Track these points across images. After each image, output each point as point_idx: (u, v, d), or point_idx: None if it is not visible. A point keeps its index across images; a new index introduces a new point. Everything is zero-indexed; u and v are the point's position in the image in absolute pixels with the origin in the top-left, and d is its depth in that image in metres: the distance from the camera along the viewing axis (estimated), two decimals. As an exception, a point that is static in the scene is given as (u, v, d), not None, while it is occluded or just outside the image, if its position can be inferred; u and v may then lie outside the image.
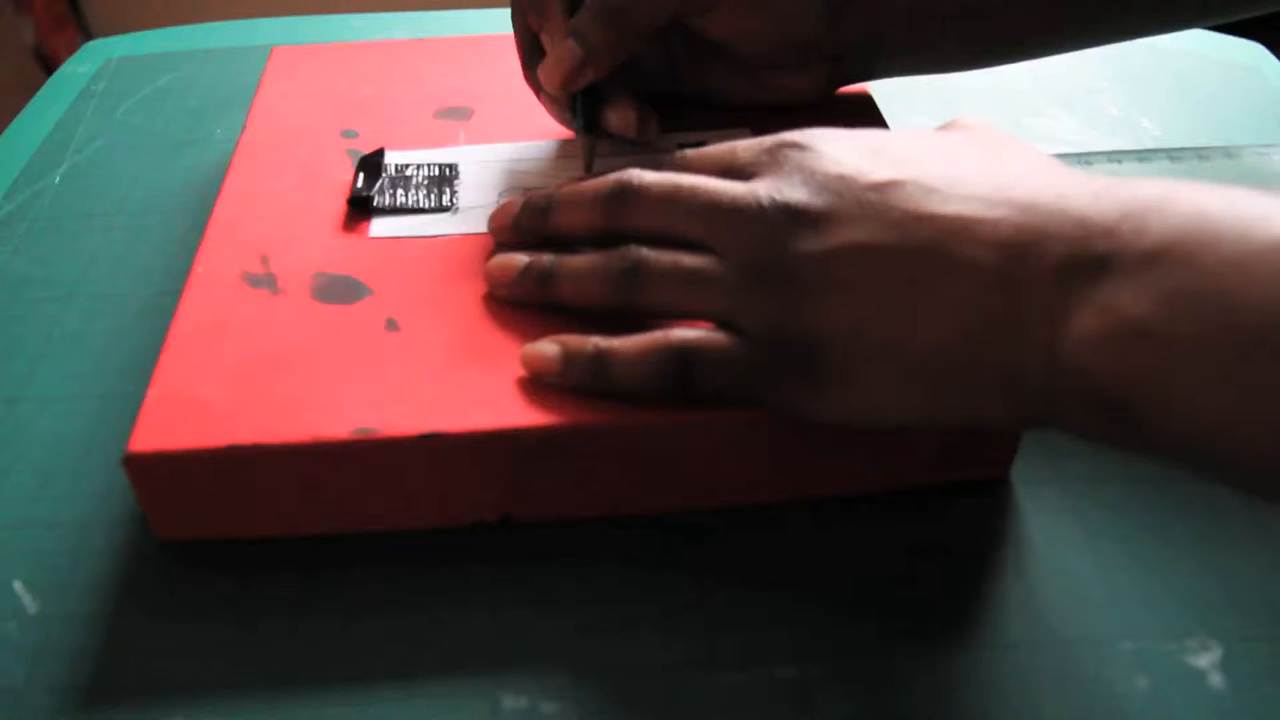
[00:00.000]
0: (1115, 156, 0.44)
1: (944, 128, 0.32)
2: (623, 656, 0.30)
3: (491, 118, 0.44)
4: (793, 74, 0.41)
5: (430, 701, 0.29)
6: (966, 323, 0.27)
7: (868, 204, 0.28)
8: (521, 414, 0.31)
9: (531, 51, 0.40)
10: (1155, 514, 0.33)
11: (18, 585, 0.32)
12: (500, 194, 0.39)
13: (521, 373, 0.32)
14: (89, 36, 1.60)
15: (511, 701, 0.29)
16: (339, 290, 0.35)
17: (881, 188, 0.28)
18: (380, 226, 0.38)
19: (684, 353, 0.30)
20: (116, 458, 0.36)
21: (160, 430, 0.31)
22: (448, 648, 0.30)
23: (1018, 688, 0.29)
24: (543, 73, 0.38)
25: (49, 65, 1.55)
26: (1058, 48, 0.40)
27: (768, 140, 0.32)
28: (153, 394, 0.32)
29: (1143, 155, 0.45)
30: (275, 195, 0.40)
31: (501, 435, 0.31)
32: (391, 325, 0.34)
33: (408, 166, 0.41)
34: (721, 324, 0.30)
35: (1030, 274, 0.26)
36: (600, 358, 0.31)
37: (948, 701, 0.28)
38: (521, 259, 0.34)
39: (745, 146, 0.32)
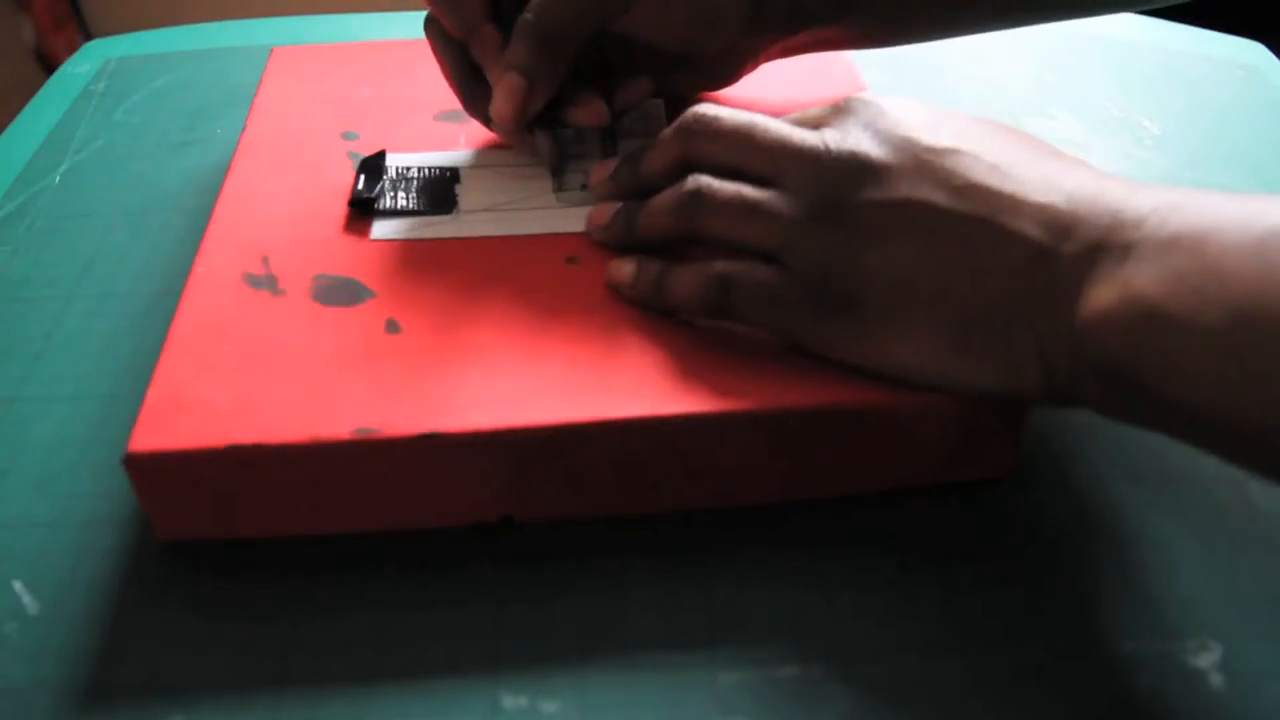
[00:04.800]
0: None
1: (838, 106, 0.33)
2: (623, 656, 0.30)
3: None
4: (716, 58, 0.41)
5: (430, 701, 0.29)
6: (1010, 290, 0.29)
7: (928, 165, 0.30)
8: (521, 414, 0.31)
9: (472, 92, 0.40)
10: (1156, 514, 0.33)
11: (18, 585, 0.32)
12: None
13: (521, 373, 0.32)
14: (89, 36, 1.60)
15: (511, 701, 0.29)
16: (340, 292, 0.35)
17: (943, 153, 0.30)
18: (381, 229, 0.38)
19: (725, 279, 0.32)
20: (116, 458, 0.36)
21: (160, 430, 0.31)
22: (448, 648, 0.30)
23: (1018, 688, 0.29)
24: (495, 112, 0.38)
25: (49, 65, 1.55)
26: (976, 27, 0.41)
27: (842, 99, 0.34)
28: (153, 394, 0.32)
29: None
30: (275, 196, 0.40)
31: (501, 435, 0.31)
32: (392, 327, 0.34)
33: (409, 169, 0.41)
34: (769, 258, 0.32)
35: (1068, 253, 0.28)
36: (661, 274, 0.34)
37: (947, 702, 0.28)
38: (614, 205, 0.37)
39: (812, 108, 0.34)
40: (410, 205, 0.39)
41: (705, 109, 0.34)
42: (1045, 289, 0.28)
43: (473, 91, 0.40)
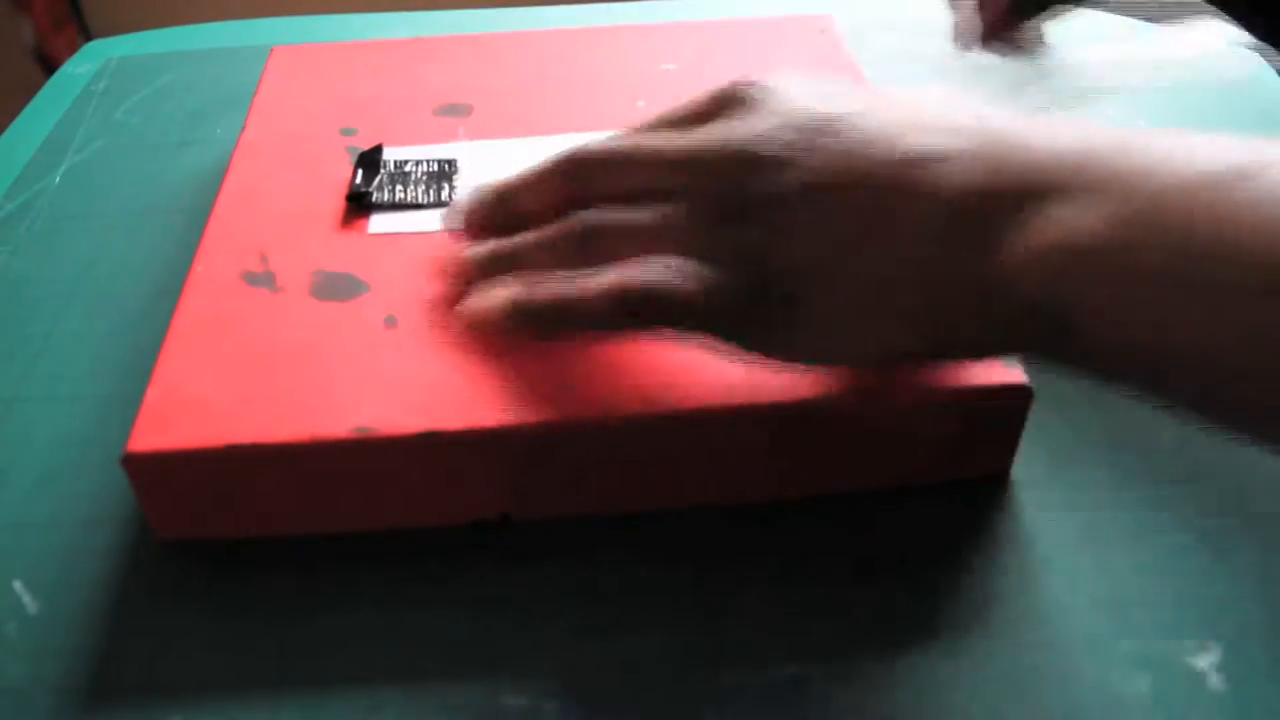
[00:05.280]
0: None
1: (724, 95, 0.31)
2: (623, 656, 0.30)
3: (491, 114, 0.44)
4: None
5: (430, 701, 0.29)
6: (934, 245, 0.27)
7: (827, 135, 0.28)
8: (521, 412, 0.31)
9: None
10: (1155, 514, 0.33)
11: (18, 585, 0.32)
12: (456, 193, 0.39)
13: (520, 370, 0.32)
14: (89, 36, 1.60)
15: (511, 701, 0.29)
16: (338, 287, 0.35)
17: (841, 120, 0.29)
18: (379, 223, 0.38)
19: (642, 289, 0.29)
20: (116, 458, 0.36)
21: (160, 430, 0.31)
22: (448, 647, 0.30)
23: (1018, 688, 0.29)
24: None
25: (49, 65, 1.55)
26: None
27: (714, 90, 0.31)
28: (152, 393, 0.32)
29: None
30: (275, 194, 0.40)
31: (501, 433, 0.31)
32: (390, 322, 0.34)
33: (406, 163, 0.41)
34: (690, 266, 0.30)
35: (993, 196, 0.27)
36: (558, 306, 0.30)
37: (948, 702, 0.28)
38: (484, 249, 0.33)
39: (698, 96, 0.32)
40: (408, 199, 0.39)
41: (579, 147, 0.32)
42: (971, 242, 0.27)
43: None
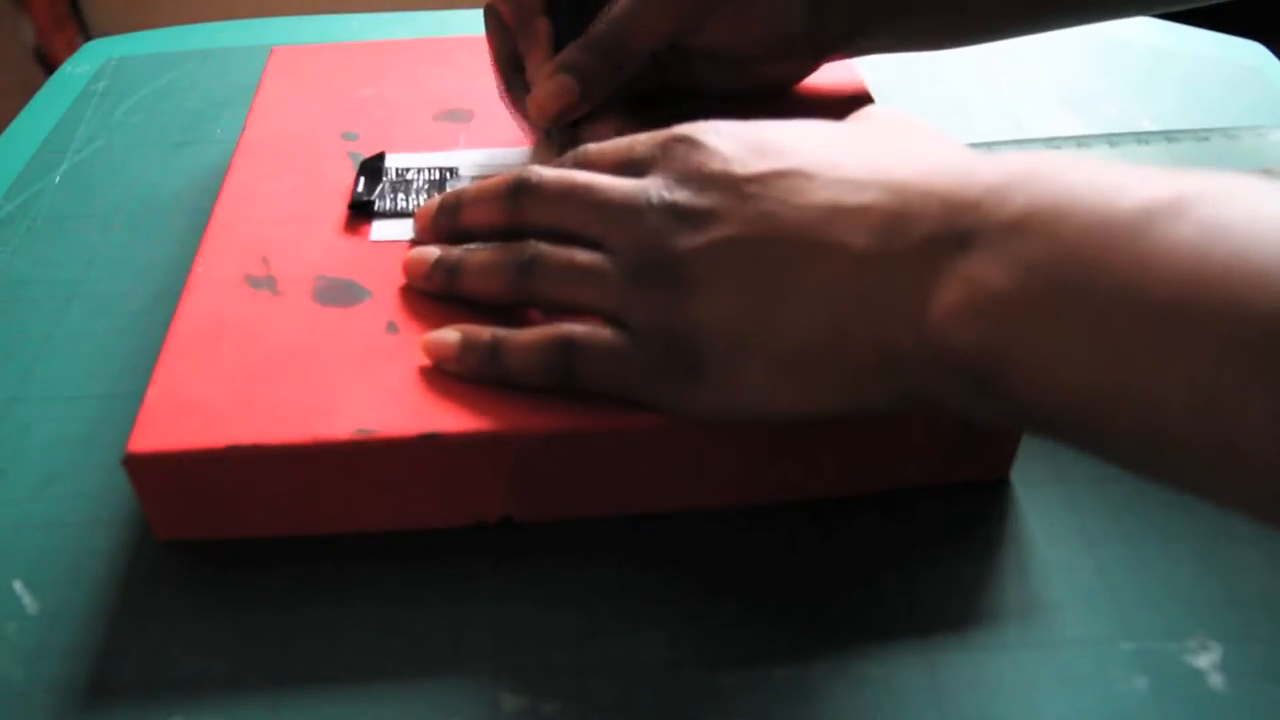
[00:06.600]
0: (1113, 140, 0.44)
1: (853, 117, 0.32)
2: (623, 656, 0.30)
3: (492, 120, 0.44)
4: (777, 63, 0.41)
5: (430, 701, 0.29)
6: (836, 305, 0.27)
7: (747, 197, 0.28)
8: (522, 416, 0.31)
9: (512, 80, 0.41)
10: (1155, 514, 0.33)
11: (18, 585, 0.32)
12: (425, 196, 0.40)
13: None
14: (89, 36, 1.60)
15: (511, 701, 0.29)
16: (339, 293, 0.35)
17: (762, 179, 0.29)
18: (381, 230, 0.38)
19: (567, 345, 0.30)
20: (116, 458, 0.36)
21: (160, 430, 0.31)
22: (448, 647, 0.30)
23: (1018, 688, 0.29)
24: (536, 106, 0.38)
25: (49, 65, 1.55)
26: (1036, 27, 0.41)
27: (661, 135, 0.32)
28: (152, 394, 0.32)
29: (1141, 137, 0.45)
30: (275, 196, 0.40)
31: (502, 437, 0.31)
32: (392, 328, 0.34)
33: (408, 170, 0.41)
34: (611, 320, 0.30)
35: (897, 252, 0.26)
36: (494, 346, 0.31)
37: (948, 702, 0.28)
38: (433, 253, 0.35)
39: (641, 141, 0.32)
40: (410, 207, 0.39)
41: (530, 172, 0.33)
42: (878, 295, 0.26)
43: (513, 80, 0.41)
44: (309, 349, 0.33)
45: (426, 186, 0.40)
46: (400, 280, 0.36)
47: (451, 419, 0.31)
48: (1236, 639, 0.30)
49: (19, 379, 0.39)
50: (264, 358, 0.33)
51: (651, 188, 0.30)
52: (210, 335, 0.34)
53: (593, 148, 0.34)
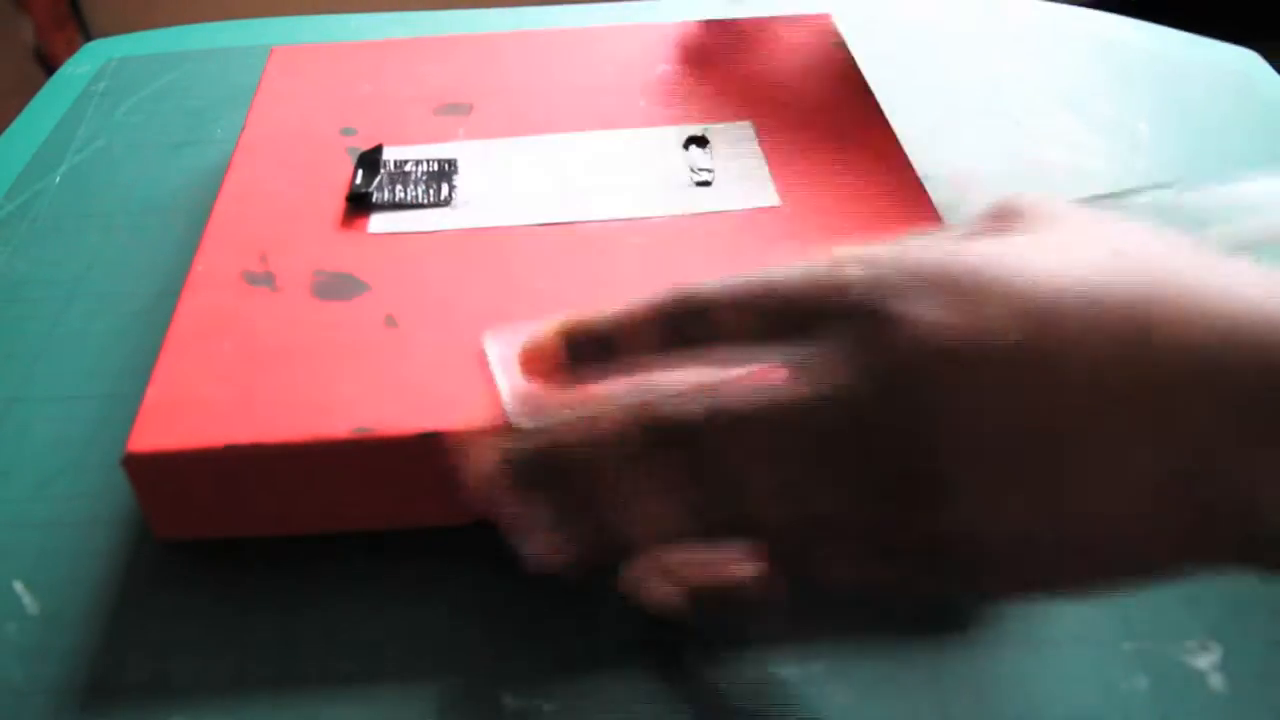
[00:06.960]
0: (1163, 185, 0.40)
1: (997, 210, 0.25)
2: (622, 656, 0.30)
3: (491, 113, 0.44)
4: None
5: (430, 701, 0.29)
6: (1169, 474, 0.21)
7: (986, 373, 0.22)
8: (521, 414, 0.31)
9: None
10: (1155, 514, 0.33)
11: (18, 585, 0.32)
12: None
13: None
14: (89, 36, 1.60)
15: (511, 701, 0.29)
16: (338, 287, 0.35)
17: (990, 355, 0.22)
18: (379, 222, 0.38)
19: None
20: (116, 458, 0.36)
21: (160, 430, 0.31)
22: (448, 648, 0.30)
23: (1018, 688, 0.29)
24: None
25: (49, 65, 1.55)
26: None
27: (849, 287, 0.23)
28: (152, 393, 0.32)
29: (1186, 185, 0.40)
30: (275, 194, 0.40)
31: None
32: (390, 322, 0.34)
33: (406, 162, 0.41)
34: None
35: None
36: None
37: (948, 701, 0.28)
38: (541, 442, 0.26)
39: (819, 290, 0.23)
40: (408, 198, 0.39)
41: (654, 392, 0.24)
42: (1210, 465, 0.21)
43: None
44: (308, 345, 0.33)
45: (424, 178, 0.40)
46: (398, 272, 0.36)
47: (450, 417, 0.31)
48: (1237, 639, 0.30)
49: (19, 379, 0.39)
50: (263, 355, 0.33)
51: (844, 379, 0.23)
52: (209, 333, 0.34)
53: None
